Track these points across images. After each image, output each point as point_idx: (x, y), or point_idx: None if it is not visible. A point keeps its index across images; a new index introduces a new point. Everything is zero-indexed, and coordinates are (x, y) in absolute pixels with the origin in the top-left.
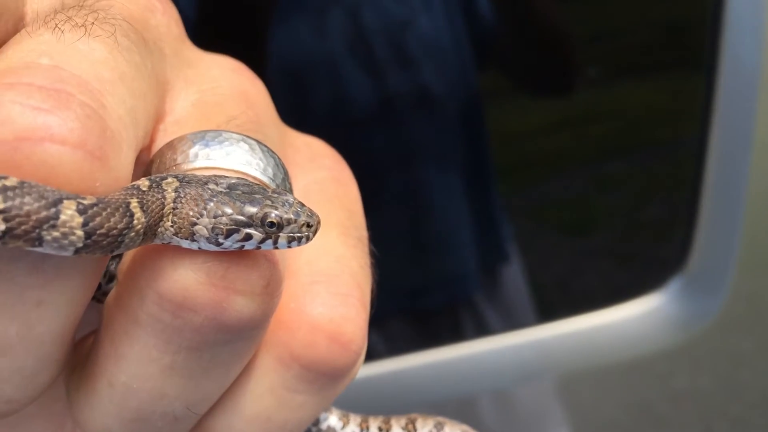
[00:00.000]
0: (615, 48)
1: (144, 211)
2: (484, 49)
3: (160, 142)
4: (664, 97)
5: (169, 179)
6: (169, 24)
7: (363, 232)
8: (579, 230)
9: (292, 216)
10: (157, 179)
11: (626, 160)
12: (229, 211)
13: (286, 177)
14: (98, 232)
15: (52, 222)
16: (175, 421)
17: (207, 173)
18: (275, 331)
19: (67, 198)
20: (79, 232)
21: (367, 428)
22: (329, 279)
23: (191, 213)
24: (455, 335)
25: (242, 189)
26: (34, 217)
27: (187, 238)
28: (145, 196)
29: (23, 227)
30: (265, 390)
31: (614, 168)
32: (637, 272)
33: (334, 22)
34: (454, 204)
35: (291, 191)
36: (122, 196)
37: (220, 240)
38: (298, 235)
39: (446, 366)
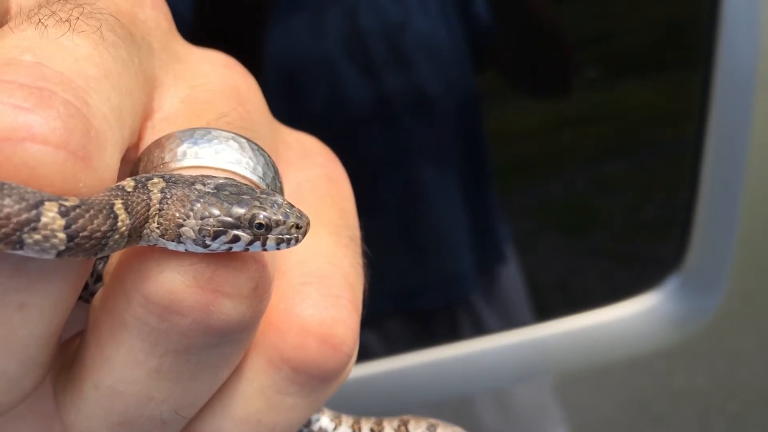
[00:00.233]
0: (612, 48)
1: (129, 212)
2: (481, 50)
3: (148, 140)
4: (661, 97)
5: (155, 179)
6: (158, 18)
7: (355, 232)
8: (578, 230)
9: (280, 217)
10: (143, 179)
11: (624, 160)
12: (216, 212)
13: (276, 176)
14: (81, 234)
15: (33, 224)
16: (163, 424)
17: (194, 173)
18: (265, 332)
19: (49, 200)
20: (61, 235)
21: (359, 430)
22: (320, 280)
23: (177, 214)
24: (452, 335)
25: (230, 189)
26: (14, 220)
27: (173, 240)
28: (130, 198)
29: (3, 230)
30: (255, 392)
31: (612, 168)
32: (635, 271)
33: (330, 23)
34: (450, 204)
35: (281, 190)
36: (106, 198)
37: (207, 242)
38: (287, 236)
39: (444, 365)
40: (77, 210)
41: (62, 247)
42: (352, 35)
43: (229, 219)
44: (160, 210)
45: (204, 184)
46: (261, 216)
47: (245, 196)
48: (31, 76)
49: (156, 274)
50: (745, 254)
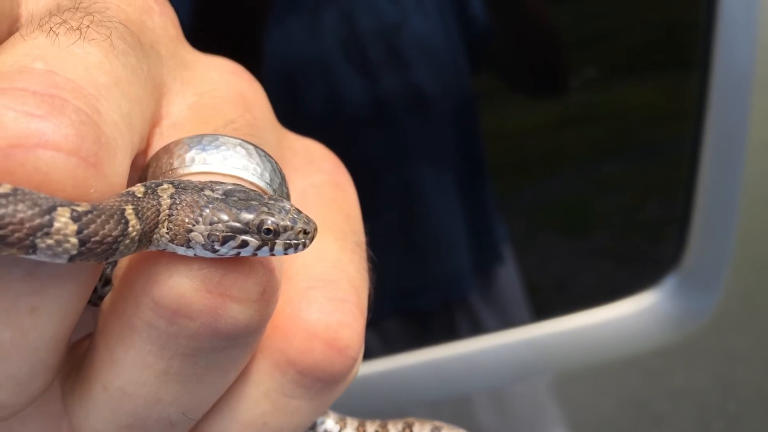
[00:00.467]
0: (609, 49)
1: (139, 218)
2: (477, 50)
3: (156, 146)
4: (658, 97)
5: (165, 185)
6: (165, 26)
7: (361, 237)
8: (576, 230)
9: (288, 223)
10: (153, 185)
11: (622, 159)
12: (225, 217)
13: (283, 182)
14: (93, 239)
15: (45, 230)
16: (171, 426)
17: (203, 179)
18: (271, 336)
19: (61, 205)
20: (74, 240)
21: None
22: (326, 284)
23: (187, 220)
24: (450, 336)
25: (238, 195)
26: (27, 225)
27: (182, 245)
28: (140, 203)
29: (17, 235)
30: (261, 395)
31: (610, 168)
32: (633, 270)
33: (328, 24)
34: (448, 204)
35: (288, 196)
36: (117, 203)
37: (216, 247)
38: (295, 242)
39: (442, 365)
40: (89, 215)
41: (74, 252)
42: (349, 36)
43: (238, 224)
44: (169, 215)
45: (213, 190)
46: (269, 221)
47: (253, 202)
48: (43, 83)
49: (165, 278)
50: (743, 253)
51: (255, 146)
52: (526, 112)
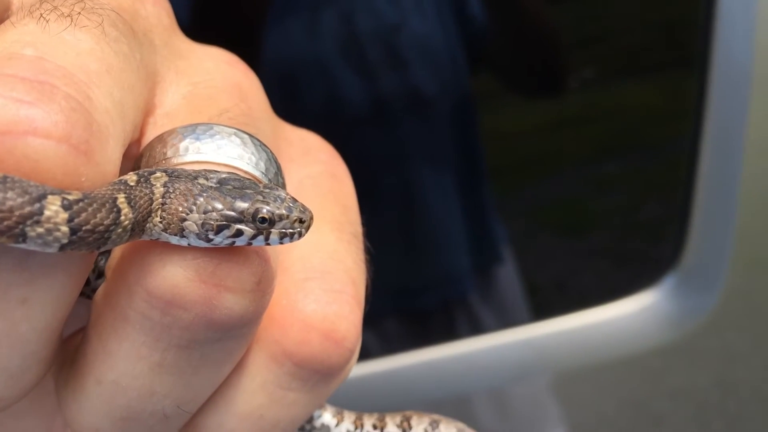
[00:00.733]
0: (608, 49)
1: (131, 206)
2: (476, 51)
3: (150, 136)
4: (657, 98)
5: (158, 174)
6: (159, 15)
7: (358, 228)
8: (575, 231)
9: (284, 211)
10: (146, 174)
11: (620, 160)
12: (219, 206)
13: (278, 171)
14: (84, 228)
15: (36, 218)
16: (166, 419)
17: (197, 167)
18: (267, 327)
19: (52, 193)
20: (64, 228)
21: (362, 426)
22: (323, 275)
23: (180, 208)
24: (450, 336)
25: (233, 184)
26: (17, 213)
27: (176, 234)
28: (132, 191)
29: (6, 223)
30: (258, 387)
31: (609, 168)
32: (632, 270)
33: (327, 24)
34: (447, 205)
35: (284, 186)
36: (109, 192)
37: (210, 236)
38: (290, 231)
39: (441, 365)
40: (80, 204)
41: (65, 241)
42: (348, 37)
43: (232, 213)
44: (163, 204)
45: (207, 179)
46: (264, 210)
47: (248, 191)
48: (33, 70)
49: (159, 268)
50: (742, 252)
51: (250, 135)
52: (524, 112)
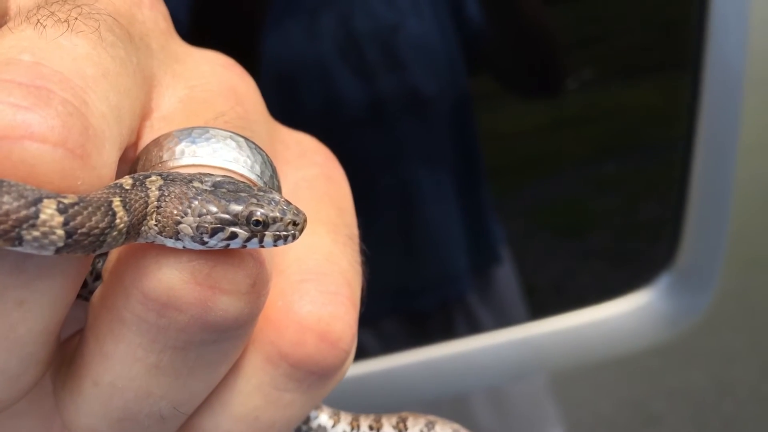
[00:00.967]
0: (604, 50)
1: (127, 209)
2: (474, 52)
3: (146, 139)
4: (652, 99)
5: (153, 177)
6: (156, 19)
7: (353, 230)
8: (573, 231)
9: (278, 214)
10: (141, 177)
11: (616, 160)
12: (213, 209)
13: (274, 174)
14: (79, 231)
15: (31, 221)
16: (162, 420)
17: (193, 171)
18: (263, 329)
19: (48, 197)
20: (60, 232)
21: (358, 427)
22: (318, 277)
23: (175, 211)
24: (448, 335)
25: (228, 187)
26: (13, 217)
27: (171, 237)
28: (128, 195)
29: (2, 226)
30: (253, 389)
31: (607, 169)
32: (627, 269)
33: (325, 26)
34: (445, 205)
35: (279, 189)
36: (104, 195)
37: (205, 239)
38: (284, 233)
39: (439, 364)
40: (75, 207)
41: (61, 244)
42: (346, 38)
43: (227, 216)
44: (158, 207)
45: (202, 182)
46: (258, 213)
47: (243, 194)
48: (30, 75)
49: (154, 270)
50: (736, 252)
51: (245, 138)
52: (522, 112)
